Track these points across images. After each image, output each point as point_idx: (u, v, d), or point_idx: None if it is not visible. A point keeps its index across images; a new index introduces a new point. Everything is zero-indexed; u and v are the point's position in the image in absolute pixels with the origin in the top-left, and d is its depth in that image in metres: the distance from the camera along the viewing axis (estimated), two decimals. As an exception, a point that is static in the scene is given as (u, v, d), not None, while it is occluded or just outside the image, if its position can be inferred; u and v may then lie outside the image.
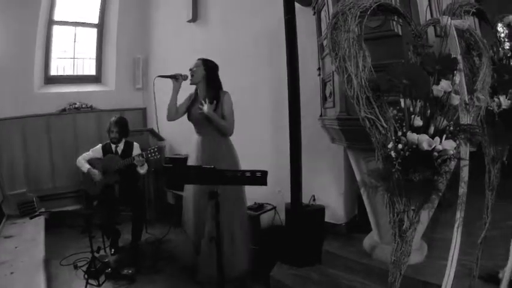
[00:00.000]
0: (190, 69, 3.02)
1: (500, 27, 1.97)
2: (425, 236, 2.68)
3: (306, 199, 3.27)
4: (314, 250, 3.05)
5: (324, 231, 3.23)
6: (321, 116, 2.92)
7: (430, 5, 2.04)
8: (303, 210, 3.15)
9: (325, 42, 2.70)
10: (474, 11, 1.77)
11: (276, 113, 3.72)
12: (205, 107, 2.90)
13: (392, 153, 1.14)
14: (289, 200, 3.21)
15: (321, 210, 3.21)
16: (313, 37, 3.03)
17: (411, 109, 1.18)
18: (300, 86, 3.08)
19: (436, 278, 2.23)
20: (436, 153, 1.11)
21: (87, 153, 3.85)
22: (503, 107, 1.70)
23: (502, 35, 1.95)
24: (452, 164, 1.18)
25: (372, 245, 2.82)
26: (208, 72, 3.02)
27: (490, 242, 2.10)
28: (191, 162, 3.10)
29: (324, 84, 2.79)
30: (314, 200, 3.35)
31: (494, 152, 1.82)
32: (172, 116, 3.08)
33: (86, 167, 3.72)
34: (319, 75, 2.90)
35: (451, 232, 2.17)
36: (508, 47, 1.91)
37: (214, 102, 2.97)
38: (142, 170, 3.76)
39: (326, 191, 3.41)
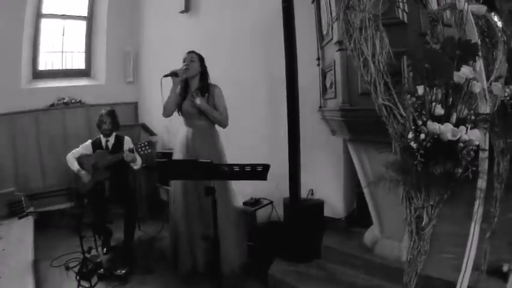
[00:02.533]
0: (185, 63, 2.97)
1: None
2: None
3: (303, 193, 3.21)
4: (313, 245, 3.00)
5: (323, 226, 3.16)
6: (320, 107, 2.83)
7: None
8: (302, 205, 3.09)
9: (325, 30, 2.61)
10: (483, -2, 1.68)
11: (272, 105, 3.63)
12: (198, 100, 2.88)
13: (413, 144, 1.05)
14: (285, 195, 3.15)
15: (320, 204, 3.15)
16: (311, 27, 2.94)
17: (429, 97, 1.09)
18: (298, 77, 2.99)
19: (438, 271, 2.19)
20: (461, 144, 1.02)
21: (77, 149, 3.72)
22: (515, 97, 1.63)
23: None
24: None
25: (373, 240, 2.77)
26: (203, 66, 3.02)
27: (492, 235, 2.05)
28: (176, 154, 3.07)
29: (323, 74, 2.71)
30: (312, 194, 3.28)
31: (504, 144, 1.75)
32: (169, 112, 3.03)
33: (75, 166, 3.59)
34: (318, 65, 2.82)
35: (448, 225, 2.11)
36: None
37: (206, 95, 2.95)
38: (136, 165, 3.66)
39: (324, 184, 3.33)
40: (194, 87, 3.01)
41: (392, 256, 2.52)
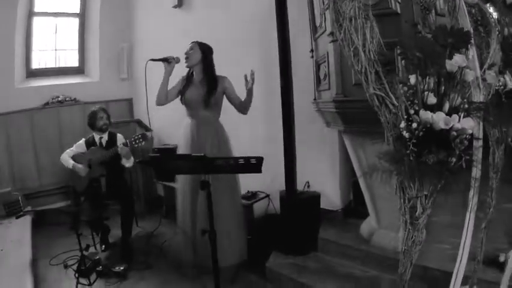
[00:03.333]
0: (185, 53, 2.93)
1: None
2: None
3: (299, 186, 3.21)
4: (310, 238, 3.00)
5: (320, 218, 3.17)
6: (314, 99, 2.83)
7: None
8: (298, 198, 3.09)
9: (318, 22, 2.60)
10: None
11: (267, 98, 3.61)
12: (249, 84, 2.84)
13: (405, 134, 1.05)
14: (282, 188, 3.14)
15: (316, 196, 3.15)
16: (304, 20, 2.92)
17: (421, 86, 1.08)
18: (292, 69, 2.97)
19: (435, 262, 2.21)
20: (454, 133, 1.01)
21: (71, 149, 3.70)
22: (510, 86, 1.62)
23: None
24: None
25: (369, 231, 2.78)
26: (204, 55, 2.94)
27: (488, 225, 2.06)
28: (181, 147, 3.03)
29: (317, 66, 2.70)
30: (308, 186, 3.28)
31: (499, 133, 1.74)
32: (162, 100, 2.97)
33: (70, 163, 3.56)
34: (312, 57, 2.81)
35: (445, 215, 2.10)
36: None
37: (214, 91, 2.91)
38: (128, 163, 3.62)
39: (320, 176, 3.34)
40: (198, 76, 2.97)
41: (389, 247, 2.53)
